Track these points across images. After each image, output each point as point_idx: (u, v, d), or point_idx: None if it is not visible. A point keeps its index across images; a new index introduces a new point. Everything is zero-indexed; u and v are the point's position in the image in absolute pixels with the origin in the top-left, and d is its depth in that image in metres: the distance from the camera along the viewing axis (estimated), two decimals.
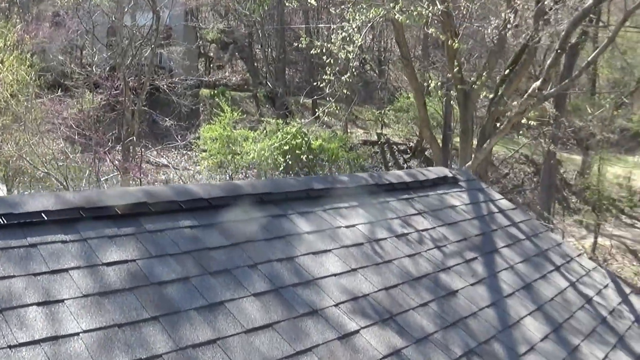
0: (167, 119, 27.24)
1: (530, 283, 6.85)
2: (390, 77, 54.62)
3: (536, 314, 6.21)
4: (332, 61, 17.15)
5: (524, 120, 18.76)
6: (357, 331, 4.61)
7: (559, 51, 12.93)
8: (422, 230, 6.78)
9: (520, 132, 27.96)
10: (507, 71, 18.23)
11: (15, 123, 23.70)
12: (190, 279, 4.36)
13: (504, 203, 8.89)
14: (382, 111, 44.78)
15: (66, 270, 3.98)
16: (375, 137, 44.51)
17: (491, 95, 17.73)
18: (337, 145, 34.68)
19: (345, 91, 18.44)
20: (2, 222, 4.15)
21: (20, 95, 24.63)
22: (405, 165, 42.27)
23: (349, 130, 43.74)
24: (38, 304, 3.62)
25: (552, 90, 14.02)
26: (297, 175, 32.01)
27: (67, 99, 27.93)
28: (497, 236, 7.67)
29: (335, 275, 5.17)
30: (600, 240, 34.78)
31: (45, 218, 4.34)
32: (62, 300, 3.72)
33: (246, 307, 4.33)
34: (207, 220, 5.13)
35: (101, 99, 23.76)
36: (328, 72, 17.19)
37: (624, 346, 6.65)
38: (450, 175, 8.62)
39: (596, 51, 13.15)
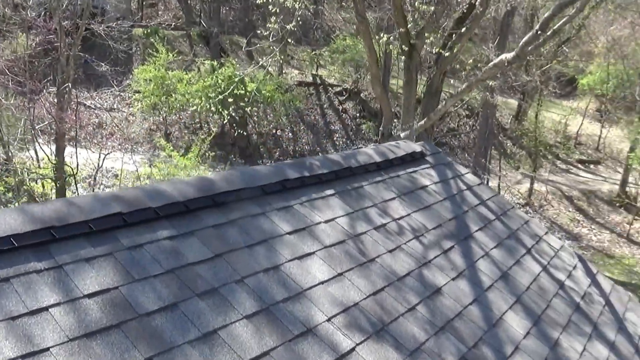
0: (103, 64, 26.48)
1: (507, 271, 6.77)
2: (325, 17, 54.02)
3: (516, 307, 6.15)
4: (277, 10, 16.84)
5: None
6: (352, 349, 4.40)
7: (538, 32, 12.62)
8: (399, 219, 6.56)
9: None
10: (457, 24, 17.98)
11: None
12: (179, 305, 4.01)
13: (471, 178, 8.78)
14: (318, 52, 44.37)
15: (46, 308, 3.56)
16: (310, 78, 44.05)
17: (439, 49, 17.45)
18: (273, 87, 34.40)
19: (289, 40, 18.18)
20: None
21: None
22: (340, 108, 41.99)
23: (283, 71, 43.23)
24: (22, 357, 3.23)
25: (514, 56, 13.68)
26: (232, 118, 31.60)
27: (2, 44, 27.12)
28: (469, 219, 7.53)
29: (322, 283, 4.92)
30: (535, 185, 35.15)
31: (16, 244, 3.88)
32: (48, 349, 3.33)
33: (240, 333, 4.03)
34: (185, 227, 4.76)
35: (35, 43, 22.92)
36: (272, 21, 16.87)
37: (599, 335, 6.69)
38: (418, 150, 8.35)
39: (563, 20, 12.85)
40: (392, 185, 7.21)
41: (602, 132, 46.63)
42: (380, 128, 17.80)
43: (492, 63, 14.45)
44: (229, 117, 26.05)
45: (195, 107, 29.75)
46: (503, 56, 13.79)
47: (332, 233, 5.62)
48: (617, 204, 35.80)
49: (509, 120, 45.95)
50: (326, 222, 5.75)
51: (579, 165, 43.01)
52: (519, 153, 42.03)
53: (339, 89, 43.73)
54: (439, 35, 17.19)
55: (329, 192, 6.28)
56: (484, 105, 34.12)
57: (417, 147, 8.47)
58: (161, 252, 4.39)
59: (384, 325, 4.81)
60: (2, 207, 21.05)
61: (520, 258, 7.29)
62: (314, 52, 44.28)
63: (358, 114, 41.78)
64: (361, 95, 42.92)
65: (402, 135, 15.25)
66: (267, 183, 5.70)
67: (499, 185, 34.29)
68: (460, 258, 6.49)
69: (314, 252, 5.22)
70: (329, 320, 4.54)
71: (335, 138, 39.43)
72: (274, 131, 38.15)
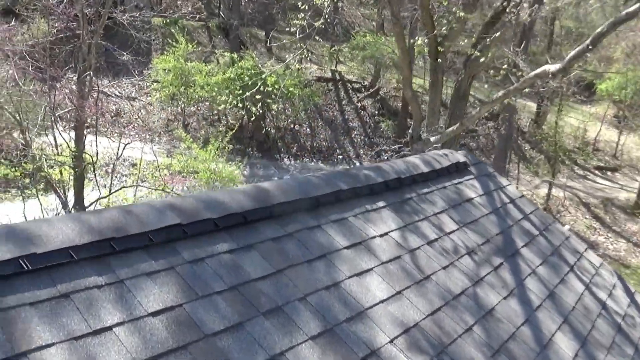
0: (125, 53, 26.37)
1: (553, 290, 6.67)
2: (344, 13, 53.79)
3: (564, 328, 6.06)
4: (306, 7, 16.71)
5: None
6: None
7: (590, 47, 12.33)
8: (450, 233, 6.43)
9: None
10: (486, 27, 17.80)
11: None
12: (244, 325, 3.84)
13: (512, 191, 8.69)
14: (338, 48, 44.18)
15: (110, 328, 3.36)
16: (329, 74, 43.86)
17: (472, 51, 17.24)
18: (292, 82, 34.22)
19: (316, 38, 18.07)
20: (26, 268, 3.46)
21: None
22: (359, 104, 41.79)
23: (303, 66, 43.04)
24: None
25: (560, 69, 13.35)
26: (252, 113, 31.46)
27: (21, 28, 26.95)
28: (514, 234, 7.43)
29: (382, 301, 4.78)
30: (553, 191, 34.91)
31: (75, 257, 3.67)
32: None
33: (306, 355, 3.87)
34: (244, 240, 4.58)
35: (57, 30, 22.68)
36: (299, 18, 16.75)
37: None
38: (462, 160, 8.19)
39: (612, 28, 12.55)
40: (440, 198, 7.06)
41: (620, 139, 46.30)
42: (409, 130, 17.63)
43: (533, 73, 14.14)
44: (256, 114, 25.79)
45: (223, 106, 29.51)
46: (546, 67, 13.47)
47: (387, 248, 5.47)
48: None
49: (528, 124, 45.65)
50: (381, 236, 5.60)
51: (597, 172, 42.75)
52: (537, 157, 41.78)
53: (358, 85, 43.55)
54: (473, 39, 16.94)
55: (381, 203, 6.12)
56: (505, 108, 33.86)
57: (460, 157, 8.32)
58: (222, 267, 4.21)
59: (443, 347, 4.68)
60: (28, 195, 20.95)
61: (565, 276, 7.19)
62: (333, 48, 44.10)
63: (377, 112, 41.60)
64: (380, 93, 42.70)
65: (432, 139, 15.08)
66: (321, 194, 5.52)
67: (516, 189, 34.01)
68: (509, 276, 6.37)
69: (372, 269, 5.08)
70: (391, 341, 4.40)
71: (353, 135, 39.27)
72: (292, 126, 38.00)
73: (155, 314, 3.59)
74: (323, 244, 5.03)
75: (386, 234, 5.68)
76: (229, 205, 4.73)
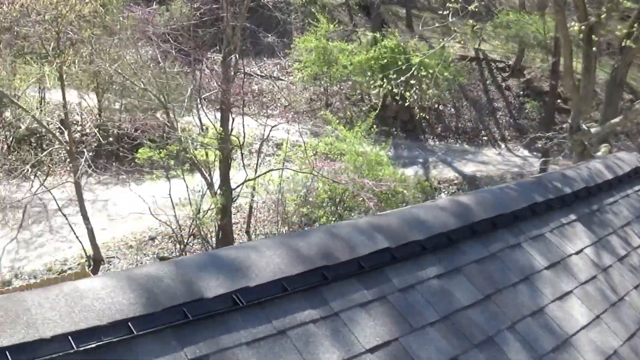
0: (269, 35, 26.57)
1: None
2: None
3: None
4: None
5: None
6: None
7: None
8: (637, 248, 6.16)
9: None
10: None
11: (106, 35, 23.23)
12: (459, 359, 3.71)
13: None
14: (481, 26, 43.31)
15: None
16: (472, 53, 43.07)
17: (628, 41, 16.60)
18: (437, 62, 33.63)
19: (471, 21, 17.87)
20: (240, 304, 3.31)
21: (110, 6, 24.14)
22: (503, 85, 40.99)
23: (447, 44, 42.36)
24: None
25: None
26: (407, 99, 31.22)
27: (161, 11, 27.40)
28: None
29: (584, 327, 4.61)
30: None
31: (289, 289, 3.53)
32: None
33: None
34: (451, 263, 4.45)
35: (200, 13, 22.90)
36: (453, 0, 16.52)
37: None
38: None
39: None
40: (626, 207, 6.78)
41: None
42: (569, 120, 17.14)
43: None
44: (410, 99, 25.49)
45: (377, 90, 29.41)
46: None
47: (583, 267, 5.30)
48: None
49: None
50: (576, 253, 5.41)
51: None
52: None
53: (502, 65, 42.69)
54: (634, 28, 16.24)
55: (572, 216, 5.91)
56: None
57: (636, 160, 7.93)
58: (432, 294, 4.09)
59: None
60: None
61: None
62: (476, 26, 43.30)
63: (522, 92, 40.70)
64: (525, 72, 41.73)
65: (592, 130, 14.65)
66: (518, 208, 5.32)
67: None
68: None
69: (571, 291, 4.92)
70: None
71: (498, 116, 38.56)
72: (436, 106, 37.58)
73: (372, 350, 3.46)
74: (524, 264, 4.89)
75: (581, 250, 5.50)
76: (433, 224, 4.60)
